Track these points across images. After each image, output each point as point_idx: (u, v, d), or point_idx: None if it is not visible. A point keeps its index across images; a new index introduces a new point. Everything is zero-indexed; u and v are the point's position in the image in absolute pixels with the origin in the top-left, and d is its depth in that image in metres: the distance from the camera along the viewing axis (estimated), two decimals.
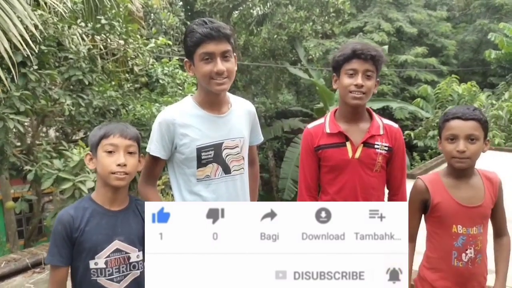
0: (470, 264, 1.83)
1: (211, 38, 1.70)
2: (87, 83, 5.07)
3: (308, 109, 15.85)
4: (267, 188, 15.06)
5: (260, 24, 14.28)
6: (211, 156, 1.81)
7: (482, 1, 18.62)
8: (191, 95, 1.93)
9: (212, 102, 1.85)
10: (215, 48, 1.71)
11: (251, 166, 2.11)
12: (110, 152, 1.61)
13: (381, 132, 1.95)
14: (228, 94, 1.93)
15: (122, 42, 5.84)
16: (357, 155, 1.93)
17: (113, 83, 6.04)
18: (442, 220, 1.85)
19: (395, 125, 2.02)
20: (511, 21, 15.40)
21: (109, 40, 5.85)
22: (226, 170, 1.86)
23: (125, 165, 1.61)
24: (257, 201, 2.16)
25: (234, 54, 1.81)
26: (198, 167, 1.81)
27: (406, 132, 12.76)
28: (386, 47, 14.07)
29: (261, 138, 2.12)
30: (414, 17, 17.46)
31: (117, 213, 1.69)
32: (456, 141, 1.77)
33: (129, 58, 6.20)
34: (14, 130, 3.72)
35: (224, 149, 1.84)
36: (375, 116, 2.01)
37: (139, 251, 1.69)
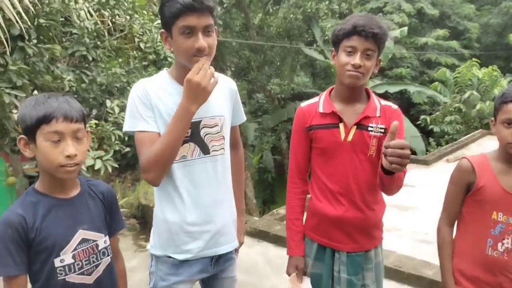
0: (506, 255, 1.73)
1: (193, 10, 1.54)
2: (91, 59, 4.99)
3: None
4: (279, 171, 14.96)
5: (277, 3, 13.95)
6: (188, 135, 1.68)
7: None
8: (166, 69, 1.78)
9: None
10: (197, 22, 1.55)
11: (234, 149, 1.97)
12: (54, 140, 1.36)
13: (378, 114, 1.80)
14: None
15: (128, 17, 5.72)
16: (350, 137, 1.79)
17: (120, 60, 5.95)
18: (482, 204, 1.76)
19: (394, 106, 1.86)
20: None
21: (117, 16, 5.75)
22: (205, 150, 1.73)
23: (75, 155, 1.38)
24: (243, 185, 2.03)
25: (215, 28, 1.67)
26: None
27: (423, 117, 12.47)
28: (406, 28, 13.66)
29: (243, 118, 1.98)
30: None
31: (74, 200, 1.49)
32: None
33: (136, 35, 6.08)
34: (10, 105, 3.65)
35: (203, 127, 1.71)
36: (373, 97, 1.85)
37: (105, 236, 1.56)
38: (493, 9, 18.16)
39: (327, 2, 12.51)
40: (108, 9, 5.45)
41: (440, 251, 1.86)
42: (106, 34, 5.72)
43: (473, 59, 12.61)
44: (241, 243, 1.99)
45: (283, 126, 14.57)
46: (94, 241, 1.51)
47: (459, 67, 13.12)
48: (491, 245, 1.74)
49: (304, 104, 1.96)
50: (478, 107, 11.06)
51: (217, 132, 1.75)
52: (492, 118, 1.79)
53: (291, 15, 13.08)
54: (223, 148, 1.79)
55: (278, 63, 14.65)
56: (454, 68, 13.99)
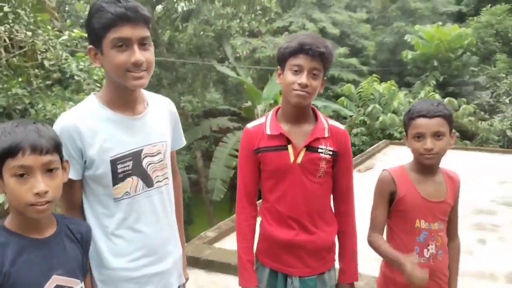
0: (432, 260, 1.81)
1: (126, 20, 1.36)
2: None
3: (236, 108, 15.70)
4: (196, 189, 14.70)
5: (186, 20, 13.85)
6: (130, 168, 1.48)
7: (398, 5, 19.65)
8: (95, 93, 1.56)
9: (125, 101, 1.51)
10: (131, 33, 1.37)
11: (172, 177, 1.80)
12: (21, 175, 1.18)
13: (326, 134, 1.77)
14: (143, 91, 1.60)
15: (29, 33, 5.22)
16: (299, 160, 1.74)
17: (20, 79, 5.40)
18: (405, 214, 1.82)
19: (342, 127, 1.85)
20: (425, 23, 16.37)
21: (14, 31, 5.22)
22: (148, 183, 1.54)
23: (46, 192, 1.20)
24: (182, 216, 1.86)
25: (151, 42, 1.49)
26: (114, 184, 1.47)
27: None
28: None
29: (183, 142, 1.82)
30: (337, 18, 18.01)
31: (49, 241, 1.30)
32: (422, 139, 1.75)
33: (38, 52, 5.57)
34: None
35: (145, 157, 1.53)
36: (321, 116, 1.82)
37: (81, 281, 1.37)
38: (386, 29, 19.82)
39: (238, 21, 12.70)
40: (6, 24, 4.92)
41: (381, 250, 1.83)
42: (3, 51, 5.18)
43: (373, 74, 13.59)
44: (186, 279, 1.82)
45: (197, 144, 14.38)
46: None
47: (359, 82, 14.03)
48: (418, 252, 1.80)
49: (250, 125, 1.88)
50: (380, 119, 11.89)
51: (160, 161, 1.58)
52: (404, 134, 1.89)
53: (201, 32, 13.06)
54: (167, 178, 1.63)
55: (190, 80, 14.51)
56: (354, 83, 14.95)
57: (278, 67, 1.78)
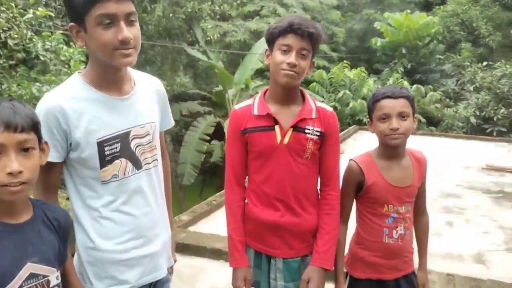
0: (400, 240, 1.87)
1: None
2: None
3: (206, 92, 15.52)
4: None
5: (154, 1, 13.46)
6: (118, 150, 1.43)
7: None
8: (79, 72, 1.49)
9: (111, 81, 1.45)
10: (117, 8, 1.30)
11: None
12: None
13: (314, 115, 1.77)
14: (129, 69, 1.54)
15: None
16: (286, 140, 1.73)
17: None
18: (374, 200, 1.86)
19: (329, 109, 1.85)
20: (394, 11, 16.59)
21: None
22: (137, 165, 1.50)
23: (20, 172, 1.14)
24: (171, 197, 1.83)
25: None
26: (102, 167, 1.42)
27: None
28: None
29: (172, 122, 1.77)
30: (307, 3, 17.99)
31: (23, 227, 1.23)
32: (388, 119, 1.78)
33: (1, 30, 5.30)
34: None
35: (133, 138, 1.48)
36: (308, 98, 1.81)
37: (57, 270, 1.30)
38: (355, 16, 19.98)
39: (209, 3, 12.46)
40: None
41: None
42: None
43: (344, 61, 13.71)
44: (175, 261, 1.79)
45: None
46: (45, 276, 1.25)
47: (329, 68, 14.12)
48: (387, 233, 1.87)
49: (237, 106, 1.87)
50: (351, 105, 12.08)
51: (149, 142, 1.54)
52: (368, 120, 1.93)
53: (171, 14, 12.74)
54: (156, 160, 1.58)
55: (159, 63, 14.18)
56: (325, 69, 15.05)
57: (267, 48, 1.76)
